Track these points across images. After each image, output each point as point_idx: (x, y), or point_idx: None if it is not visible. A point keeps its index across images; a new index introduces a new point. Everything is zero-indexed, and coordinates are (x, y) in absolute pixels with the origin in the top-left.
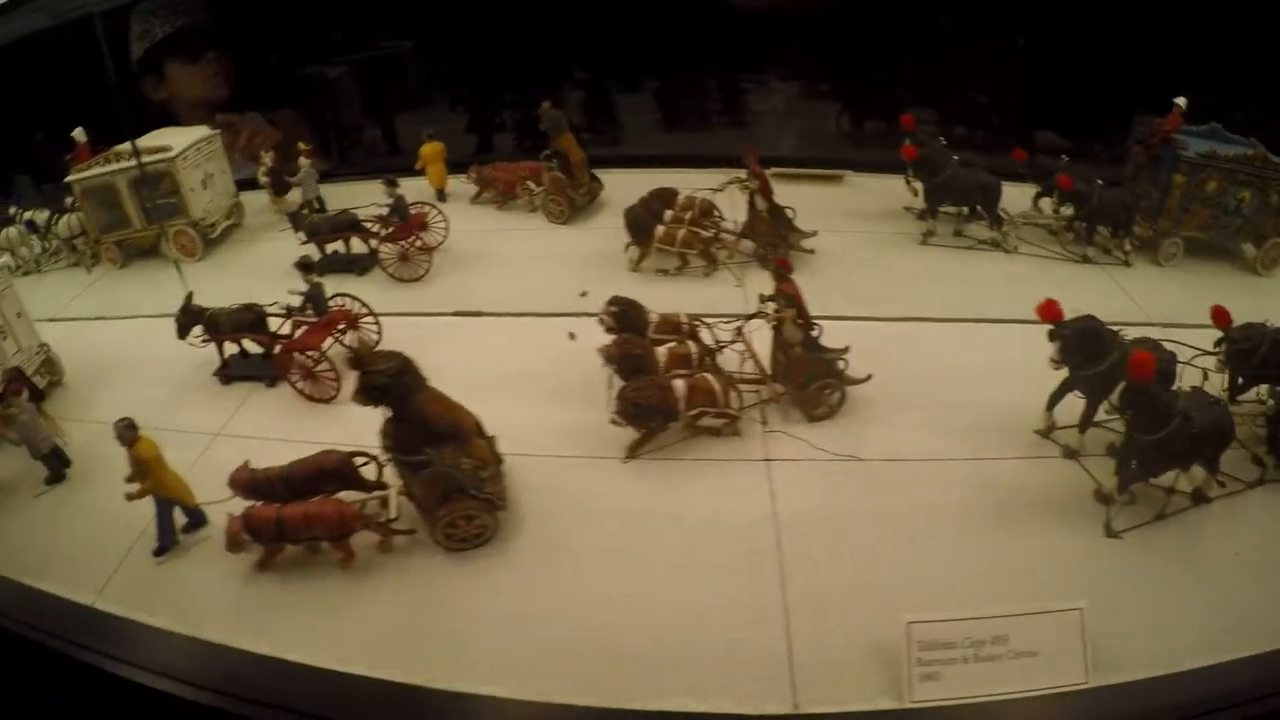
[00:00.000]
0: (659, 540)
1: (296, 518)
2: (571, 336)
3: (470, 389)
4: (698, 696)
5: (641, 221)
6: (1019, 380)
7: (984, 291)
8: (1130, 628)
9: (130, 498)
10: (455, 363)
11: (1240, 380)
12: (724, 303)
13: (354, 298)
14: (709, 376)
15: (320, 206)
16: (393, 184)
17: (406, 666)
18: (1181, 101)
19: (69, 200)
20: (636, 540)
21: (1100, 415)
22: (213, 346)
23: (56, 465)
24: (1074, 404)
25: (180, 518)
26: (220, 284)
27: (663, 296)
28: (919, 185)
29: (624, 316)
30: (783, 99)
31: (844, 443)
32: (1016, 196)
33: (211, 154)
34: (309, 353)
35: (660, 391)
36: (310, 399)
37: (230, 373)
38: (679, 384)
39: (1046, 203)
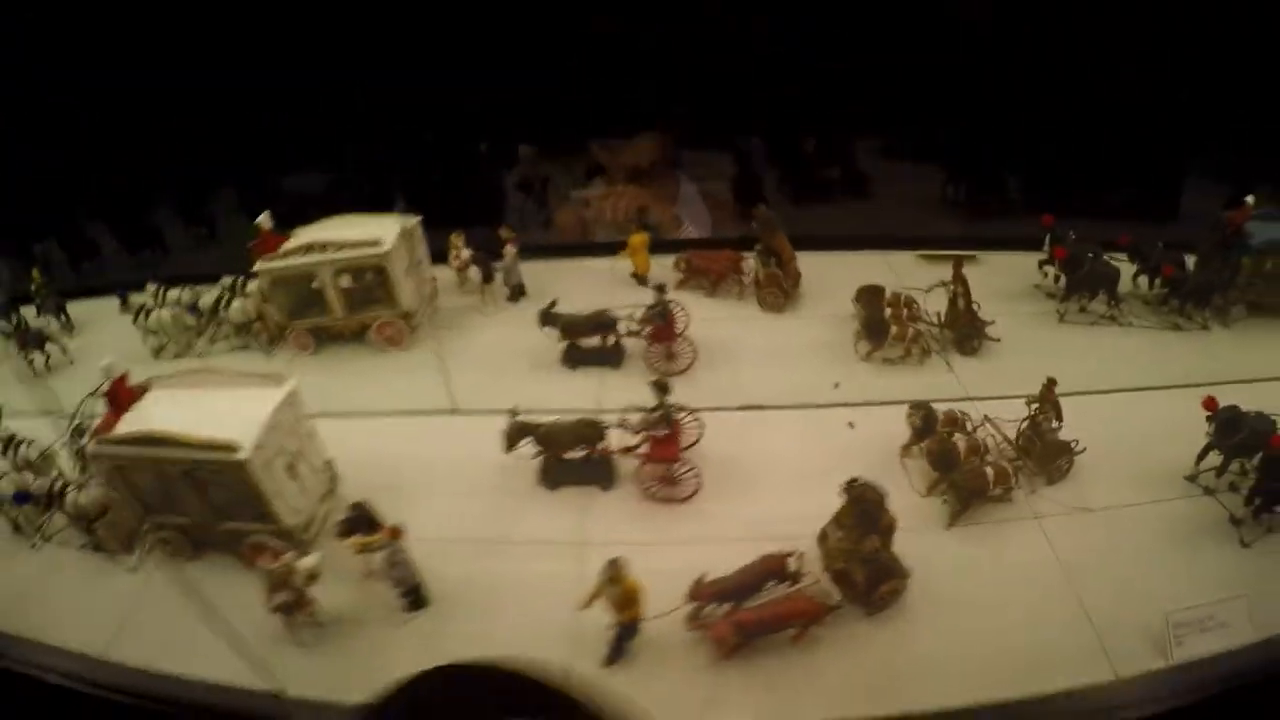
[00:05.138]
0: (998, 585)
1: (781, 614)
2: (850, 425)
3: (794, 481)
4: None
5: (878, 326)
6: (1166, 439)
7: (1117, 363)
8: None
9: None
10: (774, 455)
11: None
12: (941, 387)
13: (675, 406)
14: (1004, 463)
15: (522, 291)
16: (661, 289)
17: (893, 702)
18: (1250, 200)
19: (228, 280)
20: (986, 587)
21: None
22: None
23: (417, 591)
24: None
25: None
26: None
27: (893, 385)
28: (1050, 270)
29: (928, 419)
30: (904, 179)
31: (1071, 496)
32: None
33: (414, 242)
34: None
35: (981, 478)
36: (666, 501)
37: (557, 478)
38: (989, 470)
39: (1143, 279)
